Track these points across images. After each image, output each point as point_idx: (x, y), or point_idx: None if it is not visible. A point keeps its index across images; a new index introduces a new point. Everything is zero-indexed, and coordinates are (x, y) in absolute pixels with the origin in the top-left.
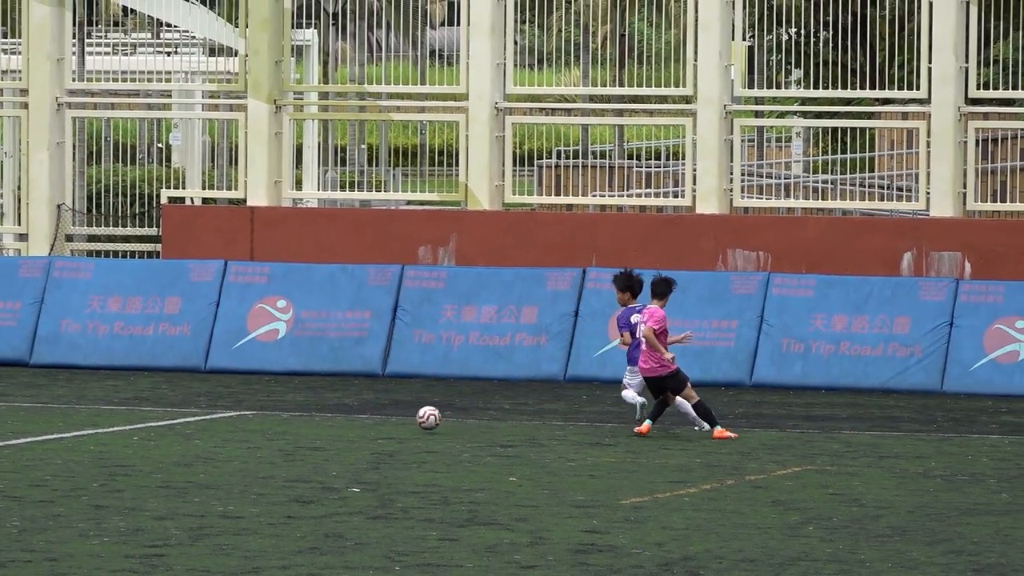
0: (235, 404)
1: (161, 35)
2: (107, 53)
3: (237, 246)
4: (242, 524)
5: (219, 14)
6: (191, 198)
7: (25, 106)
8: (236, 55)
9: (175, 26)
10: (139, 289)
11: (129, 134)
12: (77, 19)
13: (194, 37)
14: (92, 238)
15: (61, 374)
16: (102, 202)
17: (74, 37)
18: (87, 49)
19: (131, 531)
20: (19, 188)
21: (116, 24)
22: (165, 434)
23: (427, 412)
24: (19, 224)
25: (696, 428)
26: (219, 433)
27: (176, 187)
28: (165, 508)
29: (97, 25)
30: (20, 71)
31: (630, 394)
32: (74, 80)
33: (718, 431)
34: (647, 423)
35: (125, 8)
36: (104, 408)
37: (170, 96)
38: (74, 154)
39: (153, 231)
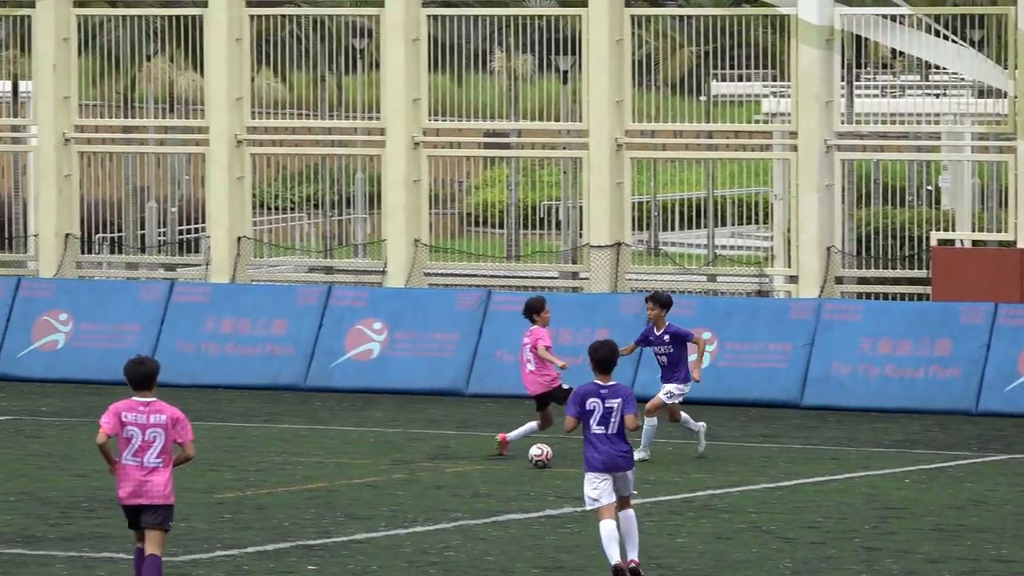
0: (1006, 447)
1: (930, 77)
2: (875, 95)
3: (1006, 288)
4: (1015, 568)
5: (988, 55)
6: (960, 240)
7: (794, 148)
8: (1005, 97)
9: (944, 68)
10: (909, 332)
11: (898, 176)
12: (845, 62)
13: (963, 79)
14: (861, 280)
15: (831, 416)
16: (871, 244)
17: (842, 80)
18: (855, 91)
19: (903, 574)
20: (788, 230)
21: (884, 66)
22: (936, 476)
23: (542, 451)
24: (789, 266)
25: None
26: (990, 476)
27: (945, 229)
28: (937, 551)
29: (865, 67)
30: (789, 114)
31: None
32: (842, 122)
33: None
34: None
35: (894, 50)
36: (874, 451)
37: (939, 138)
38: (843, 196)
39: (922, 273)
